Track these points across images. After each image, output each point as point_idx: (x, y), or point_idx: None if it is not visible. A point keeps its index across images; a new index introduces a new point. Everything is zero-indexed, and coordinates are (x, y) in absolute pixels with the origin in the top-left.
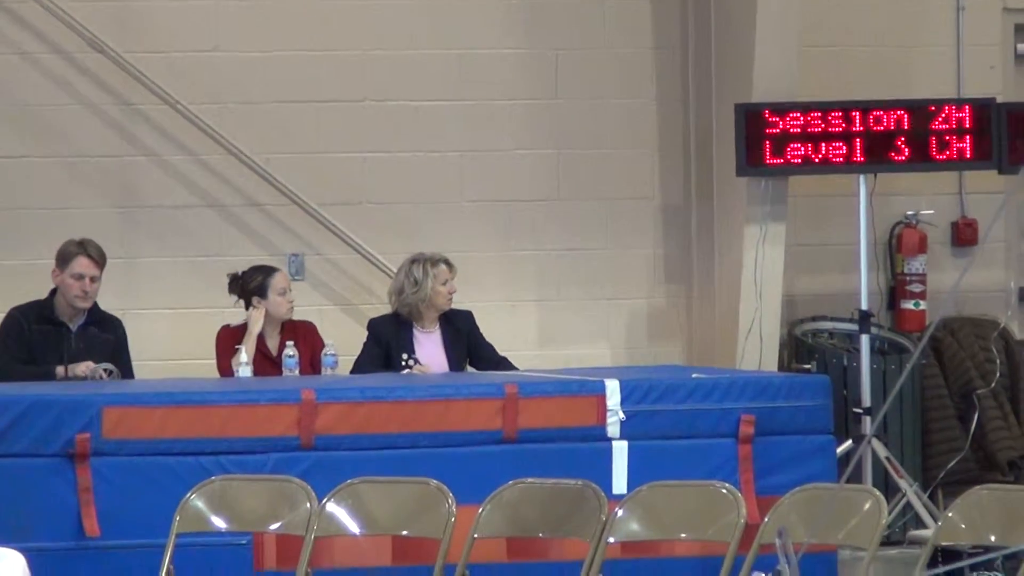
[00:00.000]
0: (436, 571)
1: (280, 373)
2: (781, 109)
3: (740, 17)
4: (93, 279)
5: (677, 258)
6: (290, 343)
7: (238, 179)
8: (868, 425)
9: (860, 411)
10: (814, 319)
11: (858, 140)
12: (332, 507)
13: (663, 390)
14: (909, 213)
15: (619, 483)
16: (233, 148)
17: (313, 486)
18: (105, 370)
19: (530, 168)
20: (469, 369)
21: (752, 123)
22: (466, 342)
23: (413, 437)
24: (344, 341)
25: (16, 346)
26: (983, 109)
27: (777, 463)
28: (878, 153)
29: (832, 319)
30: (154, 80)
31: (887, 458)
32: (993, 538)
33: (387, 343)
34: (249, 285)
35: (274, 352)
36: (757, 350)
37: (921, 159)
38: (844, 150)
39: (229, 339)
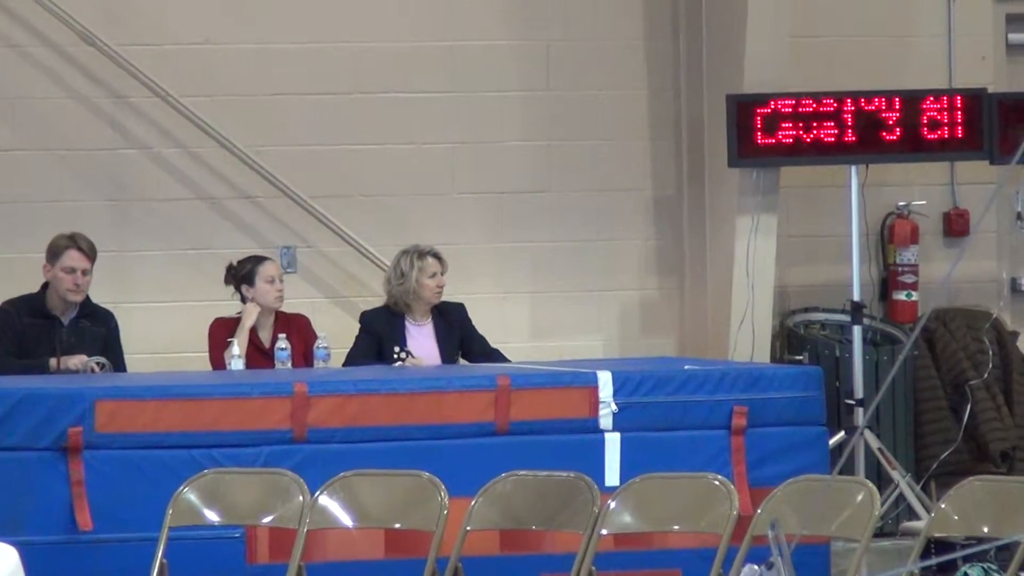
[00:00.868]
0: (429, 564)
1: (273, 366)
2: (772, 99)
3: (731, 8)
4: (84, 272)
5: (669, 249)
6: (283, 336)
7: (230, 172)
8: (860, 416)
9: (852, 402)
10: (806, 310)
11: (849, 130)
12: (325, 500)
13: (655, 382)
14: (901, 204)
15: (612, 475)
16: (224, 141)
17: (306, 479)
18: (97, 363)
19: (522, 160)
20: (461, 361)
21: (743, 114)
22: (458, 334)
23: (405, 430)
24: (336, 334)
25: (8, 340)
26: (974, 99)
27: (769, 454)
28: (869, 143)
29: (824, 310)
30: (145, 73)
31: (880, 449)
32: (986, 529)
33: (379, 336)
34: (239, 273)
35: (267, 345)
36: (749, 341)
37: (912, 149)
38: (836, 140)
39: (222, 332)
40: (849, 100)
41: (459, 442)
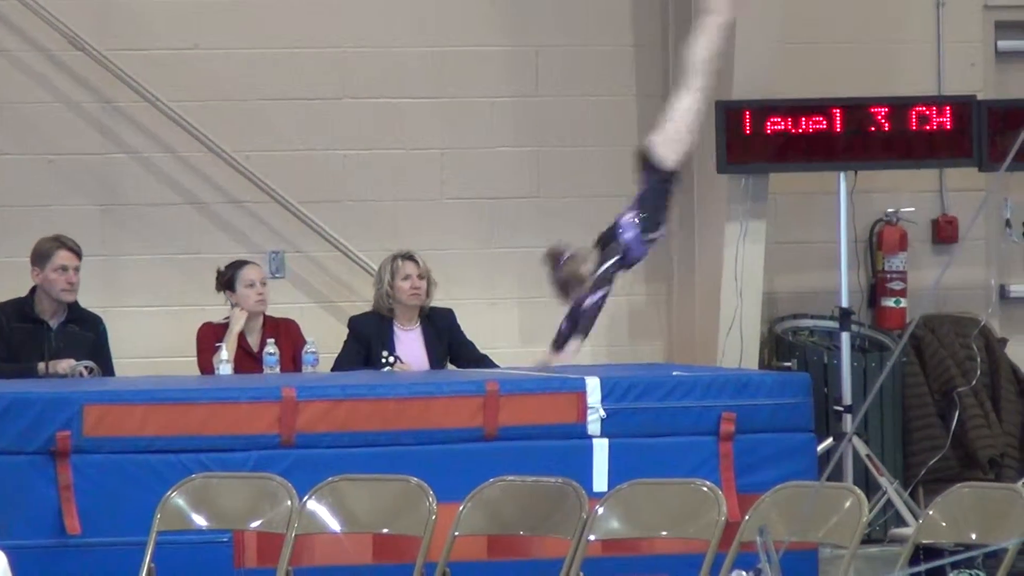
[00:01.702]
0: (417, 569)
1: (261, 370)
2: (761, 106)
3: None
4: (76, 270)
5: (657, 255)
6: (271, 340)
7: (219, 176)
8: (849, 423)
9: (841, 409)
10: (795, 317)
11: (838, 137)
12: (313, 505)
13: (643, 388)
14: (889, 210)
15: (600, 481)
16: (214, 145)
17: (294, 484)
18: (86, 367)
19: (511, 165)
20: (450, 367)
21: (732, 120)
22: (447, 340)
23: (394, 435)
24: (325, 339)
25: None
26: (963, 106)
27: (758, 461)
28: (858, 150)
29: (813, 317)
30: (135, 77)
31: (868, 456)
32: (974, 536)
33: (368, 341)
34: (224, 278)
35: (255, 349)
36: (738, 348)
37: (901, 156)
38: (824, 147)
39: (210, 336)
40: (838, 107)
41: (447, 447)
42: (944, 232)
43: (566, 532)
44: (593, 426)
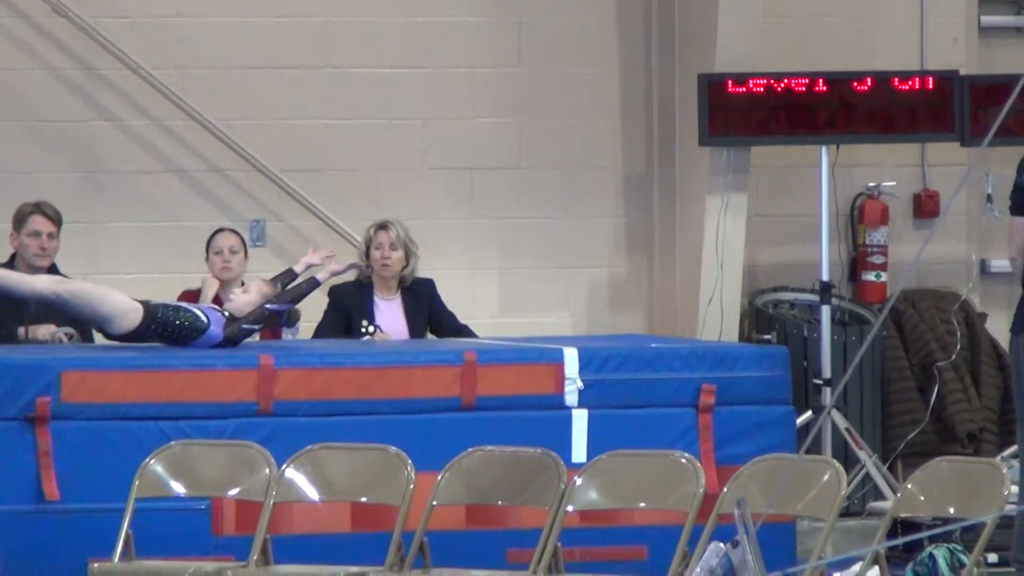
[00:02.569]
0: (395, 538)
1: None
2: (744, 79)
3: None
4: (50, 235)
5: (638, 227)
6: None
7: (200, 145)
8: (828, 396)
9: (820, 382)
10: (775, 290)
11: (820, 111)
12: (291, 473)
13: (622, 359)
14: (871, 185)
15: (578, 452)
16: (195, 114)
17: (272, 452)
18: (66, 333)
19: (492, 136)
20: (430, 337)
21: (715, 93)
22: (427, 310)
23: (372, 404)
24: (305, 307)
25: None
26: (946, 81)
27: (737, 433)
28: (840, 124)
29: (793, 290)
30: (117, 45)
31: (847, 429)
32: (952, 510)
33: (348, 310)
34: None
35: None
36: (718, 320)
37: (883, 130)
38: (806, 121)
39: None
40: (820, 80)
41: (425, 417)
42: (925, 207)
43: (544, 502)
44: (571, 397)
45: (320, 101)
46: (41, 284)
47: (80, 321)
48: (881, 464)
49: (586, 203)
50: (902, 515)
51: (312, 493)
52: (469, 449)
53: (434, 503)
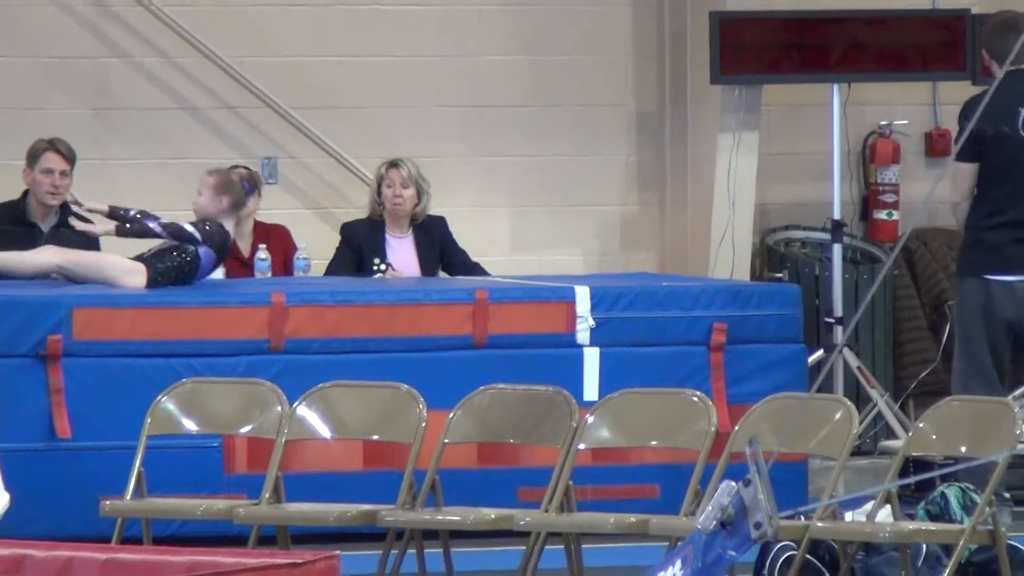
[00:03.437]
0: (406, 476)
1: (252, 275)
2: (756, 17)
3: None
4: (63, 174)
5: (650, 165)
6: (262, 246)
7: (212, 82)
8: (840, 335)
9: (832, 320)
10: (787, 228)
11: (832, 49)
12: (303, 411)
13: (633, 297)
14: (882, 123)
15: (590, 390)
16: (207, 51)
17: (283, 389)
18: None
19: (504, 74)
20: (442, 275)
21: (727, 31)
22: (439, 248)
23: (383, 342)
24: (317, 245)
25: None
26: (957, 20)
27: (748, 372)
28: (852, 62)
29: (805, 228)
30: None
31: (858, 368)
32: (964, 449)
33: (360, 247)
34: None
35: (246, 255)
36: (729, 258)
37: (895, 69)
38: (818, 59)
39: None
40: (832, 19)
41: (436, 355)
42: (937, 145)
43: (556, 441)
44: (582, 335)
45: (332, 38)
46: (43, 260)
47: None
48: (893, 403)
49: (597, 141)
50: (914, 454)
51: (324, 431)
52: (481, 387)
53: (446, 441)
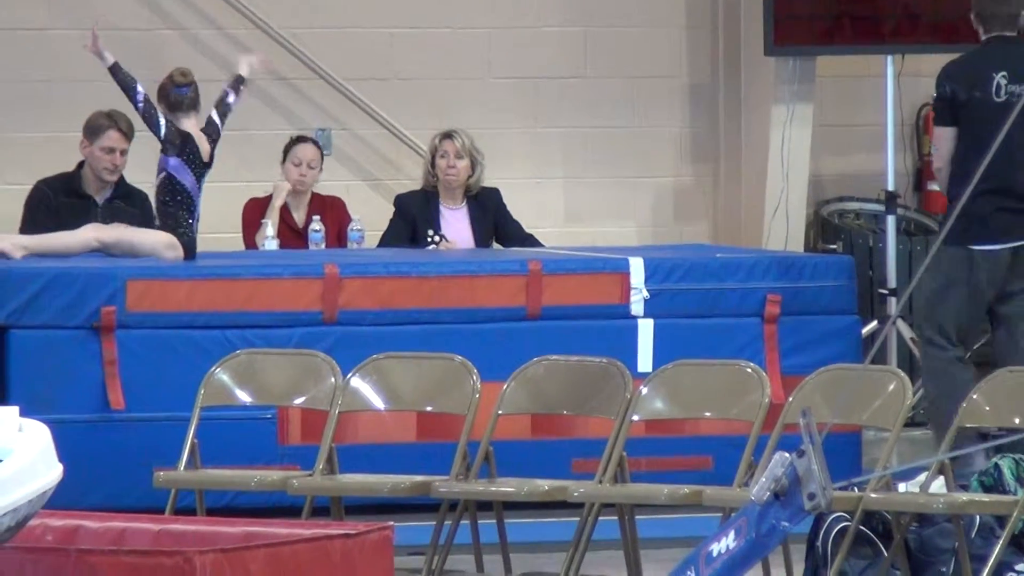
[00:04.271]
0: (460, 447)
1: (306, 246)
2: None
3: None
4: (123, 152)
5: (704, 137)
6: (316, 217)
7: (266, 53)
8: (893, 306)
9: (885, 292)
10: (840, 199)
11: (886, 21)
12: (357, 382)
13: (687, 269)
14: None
15: (644, 361)
16: (261, 23)
17: (337, 360)
18: None
19: (558, 45)
20: (496, 246)
21: (780, 2)
22: (492, 219)
23: (437, 313)
24: (371, 217)
25: (43, 218)
26: None
27: (802, 343)
28: (906, 33)
29: (859, 199)
30: None
31: (912, 339)
32: (1017, 420)
33: (413, 219)
34: (285, 150)
35: (300, 226)
36: (783, 230)
37: (949, 40)
38: (872, 30)
39: (255, 212)
40: None
41: (490, 326)
42: None
43: (610, 412)
44: (636, 306)
45: (385, 10)
46: (83, 238)
47: None
48: None
49: (651, 112)
50: (967, 425)
51: (377, 402)
52: (534, 358)
53: (499, 412)
